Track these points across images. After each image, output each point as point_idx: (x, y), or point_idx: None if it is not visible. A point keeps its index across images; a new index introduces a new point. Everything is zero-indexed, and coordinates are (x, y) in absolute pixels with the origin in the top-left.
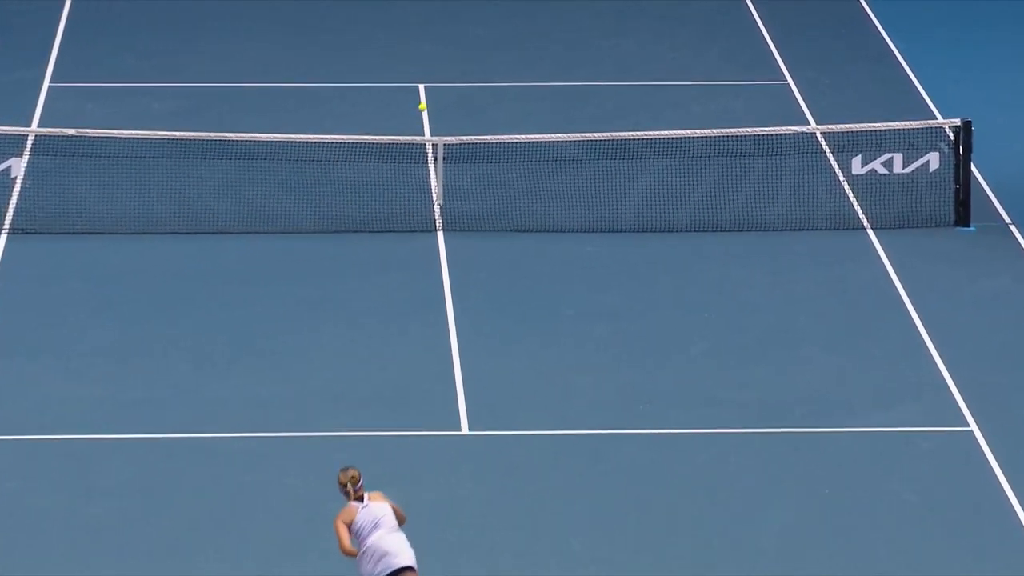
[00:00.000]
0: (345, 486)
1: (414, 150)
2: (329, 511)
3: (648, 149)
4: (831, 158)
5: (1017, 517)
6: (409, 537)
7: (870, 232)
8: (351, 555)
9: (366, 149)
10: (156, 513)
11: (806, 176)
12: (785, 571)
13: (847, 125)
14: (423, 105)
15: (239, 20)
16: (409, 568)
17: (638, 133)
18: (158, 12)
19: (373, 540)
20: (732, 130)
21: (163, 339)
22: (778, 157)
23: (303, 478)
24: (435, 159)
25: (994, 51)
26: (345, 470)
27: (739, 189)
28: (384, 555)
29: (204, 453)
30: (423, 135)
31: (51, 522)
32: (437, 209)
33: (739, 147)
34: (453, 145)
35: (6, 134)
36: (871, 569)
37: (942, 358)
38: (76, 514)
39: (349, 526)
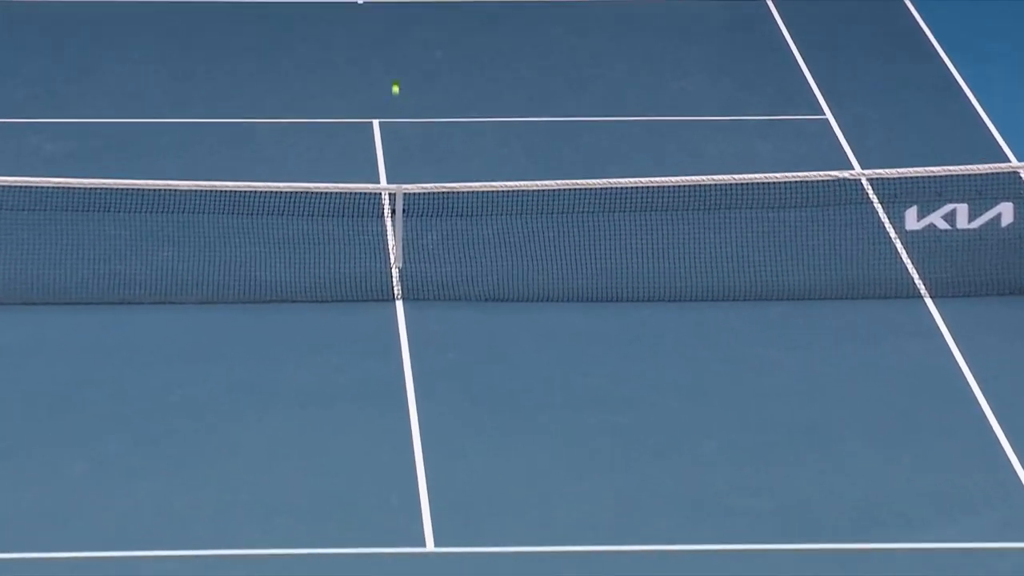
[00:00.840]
0: None
1: (367, 201)
2: None
3: (651, 199)
4: (880, 210)
5: None
6: None
7: (928, 300)
8: None
9: (308, 200)
10: None
11: (849, 232)
12: None
13: (900, 170)
14: (396, 86)
15: (148, 43)
16: None
17: (638, 180)
18: (50, 32)
19: None
20: (756, 176)
21: (57, 436)
22: (814, 209)
23: None
24: (393, 212)
25: None
26: None
27: (765, 249)
28: None
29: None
30: (378, 182)
31: None
32: (395, 273)
33: (765, 197)
34: (414, 194)
35: None
36: None
37: (1020, 457)
38: None
39: None
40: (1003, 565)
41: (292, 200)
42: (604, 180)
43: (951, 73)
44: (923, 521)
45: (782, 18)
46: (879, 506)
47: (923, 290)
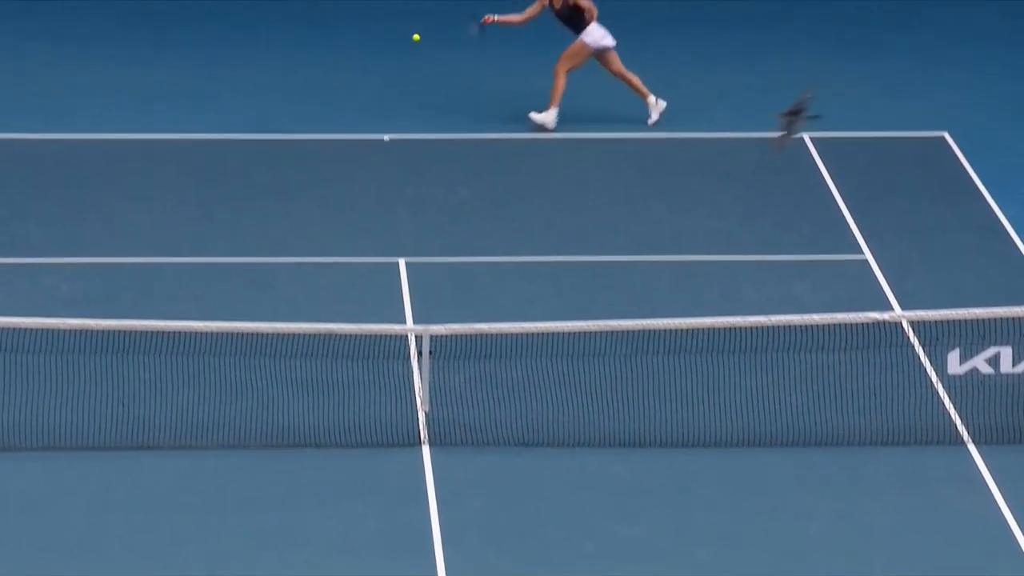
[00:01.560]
0: None
1: (393, 343)
2: None
3: (687, 342)
4: (921, 353)
5: None
6: None
7: (972, 448)
8: None
9: (332, 342)
10: None
11: (889, 376)
12: None
13: (942, 312)
14: (417, 37)
15: (168, 182)
16: None
17: (673, 321)
18: (67, 171)
19: None
20: (795, 318)
21: None
22: (853, 352)
23: None
24: (419, 354)
25: None
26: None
27: (803, 392)
28: None
29: None
30: (404, 323)
31: None
32: (422, 417)
33: (803, 340)
34: (442, 336)
35: None
36: None
37: None
38: None
39: None
40: None
41: (315, 342)
42: (637, 321)
43: (995, 214)
44: None
45: (820, 157)
46: None
47: (966, 436)
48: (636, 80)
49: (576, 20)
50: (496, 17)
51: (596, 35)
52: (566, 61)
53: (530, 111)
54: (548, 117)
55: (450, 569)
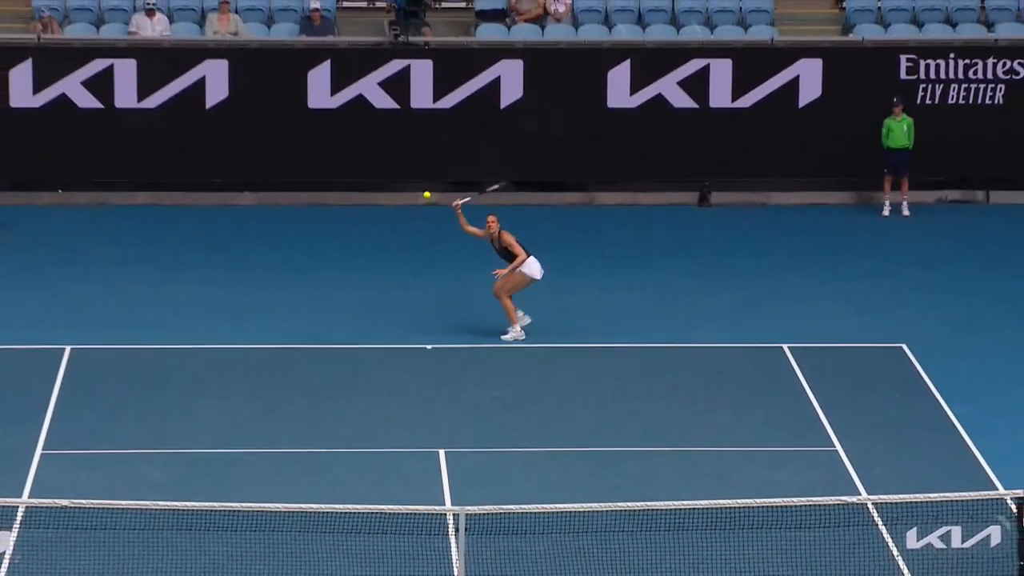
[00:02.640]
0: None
1: (434, 520)
2: None
3: (684, 520)
4: (884, 531)
5: None
6: None
7: None
8: None
9: (381, 519)
10: None
11: (857, 550)
12: None
13: (901, 496)
14: (428, 194)
15: (235, 383)
16: None
17: (673, 503)
18: (155, 374)
19: None
20: (777, 500)
21: None
22: (827, 529)
23: None
24: (456, 530)
25: None
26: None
27: (783, 565)
28: None
29: None
30: (443, 504)
31: None
32: None
33: (785, 519)
34: (476, 515)
35: None
36: None
37: None
38: None
39: None
40: None
41: (366, 520)
42: (642, 503)
43: (946, 413)
44: None
45: (797, 364)
46: None
47: None
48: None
49: (511, 257)
50: (459, 207)
51: (534, 268)
52: (508, 287)
53: (554, 324)
54: (516, 332)
55: None
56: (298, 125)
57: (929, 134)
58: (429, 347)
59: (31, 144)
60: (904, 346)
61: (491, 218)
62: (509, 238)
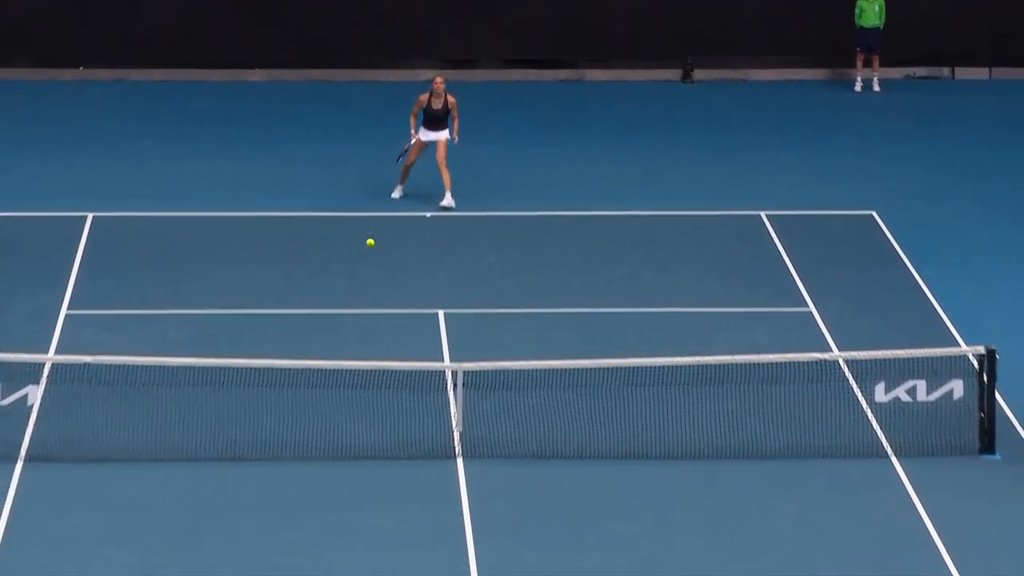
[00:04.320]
0: None
1: (433, 377)
2: None
3: (669, 376)
4: (854, 385)
5: None
6: None
7: (894, 460)
8: None
9: (384, 376)
10: None
11: (829, 403)
12: None
13: (870, 352)
14: (371, 241)
15: (251, 249)
16: None
17: (659, 360)
18: (172, 241)
19: None
20: (754, 357)
21: (177, 573)
22: (801, 384)
23: None
24: (454, 386)
25: (1020, 281)
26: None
27: (761, 417)
28: None
29: None
30: (443, 361)
31: None
32: (456, 436)
33: (761, 374)
34: (473, 371)
35: (23, 362)
36: None
37: None
38: None
39: None
40: None
41: (372, 376)
42: (629, 360)
43: (913, 275)
44: None
45: (774, 230)
46: None
47: (889, 451)
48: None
49: (445, 120)
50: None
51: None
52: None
53: (546, 194)
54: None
55: (480, 558)
56: (303, 4)
57: (899, 14)
58: (428, 215)
59: (54, 24)
60: (874, 213)
61: (439, 79)
62: (453, 99)
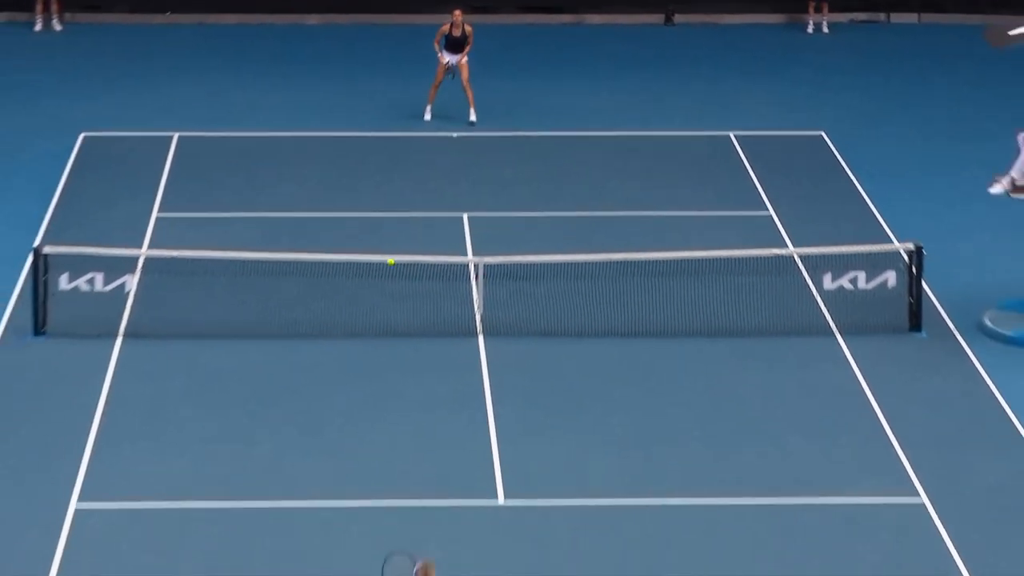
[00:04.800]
0: None
1: (458, 268)
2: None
3: (655, 268)
4: (806, 276)
5: (959, 569)
6: None
7: (838, 337)
8: None
9: (418, 268)
10: (246, 570)
11: (786, 291)
12: None
13: (819, 248)
14: (391, 261)
15: (307, 164)
16: None
17: (647, 254)
18: (243, 157)
19: None
20: (724, 252)
21: (251, 424)
22: (762, 276)
23: (365, 539)
24: (476, 276)
25: (944, 191)
26: (427, 566)
27: (730, 302)
28: None
29: (282, 518)
30: (467, 256)
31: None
32: (478, 317)
33: (730, 267)
34: (492, 264)
35: (122, 256)
36: None
37: (899, 443)
38: (170, 570)
39: None
40: (889, 514)
41: (408, 267)
42: (622, 254)
43: (856, 187)
44: (834, 485)
45: (741, 148)
46: (804, 476)
47: (835, 330)
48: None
49: (463, 45)
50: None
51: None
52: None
53: (552, 119)
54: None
55: (497, 417)
56: None
57: None
58: (455, 135)
59: None
60: (823, 134)
61: (458, 11)
62: (470, 28)
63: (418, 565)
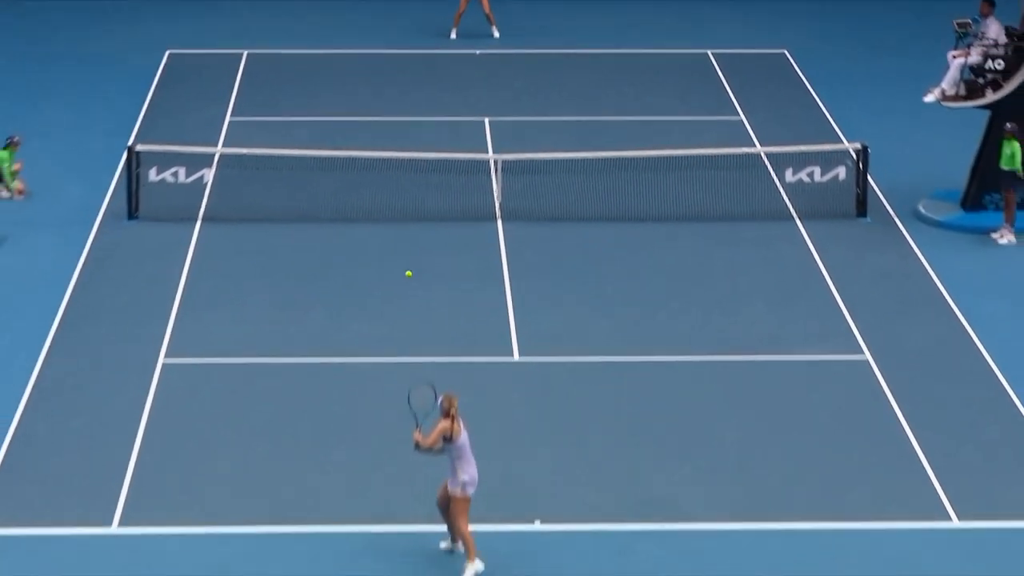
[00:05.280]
0: (450, 409)
1: (481, 164)
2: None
3: (644, 164)
4: (771, 171)
5: (899, 421)
6: (477, 435)
7: (797, 222)
8: (428, 449)
9: (447, 163)
10: (303, 414)
11: (754, 183)
12: (743, 457)
13: (782, 147)
14: (409, 273)
15: (354, 75)
16: None
17: (639, 152)
18: (301, 69)
19: (469, 450)
20: (702, 150)
21: (307, 294)
22: (735, 170)
23: (402, 389)
24: (496, 171)
25: (888, 100)
26: (450, 396)
27: (708, 192)
28: (473, 463)
29: (332, 372)
30: (488, 153)
31: (221, 423)
32: (497, 205)
33: (707, 163)
34: (509, 160)
35: (201, 153)
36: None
37: (846, 308)
38: (242, 417)
39: (451, 436)
40: (837, 368)
41: (438, 163)
42: (617, 152)
43: (814, 97)
44: (792, 345)
45: (717, 64)
46: (767, 337)
47: (794, 215)
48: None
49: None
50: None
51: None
52: None
53: (570, 38)
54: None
55: (512, 288)
56: None
57: None
58: (477, 52)
59: None
60: (786, 52)
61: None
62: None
63: (441, 397)
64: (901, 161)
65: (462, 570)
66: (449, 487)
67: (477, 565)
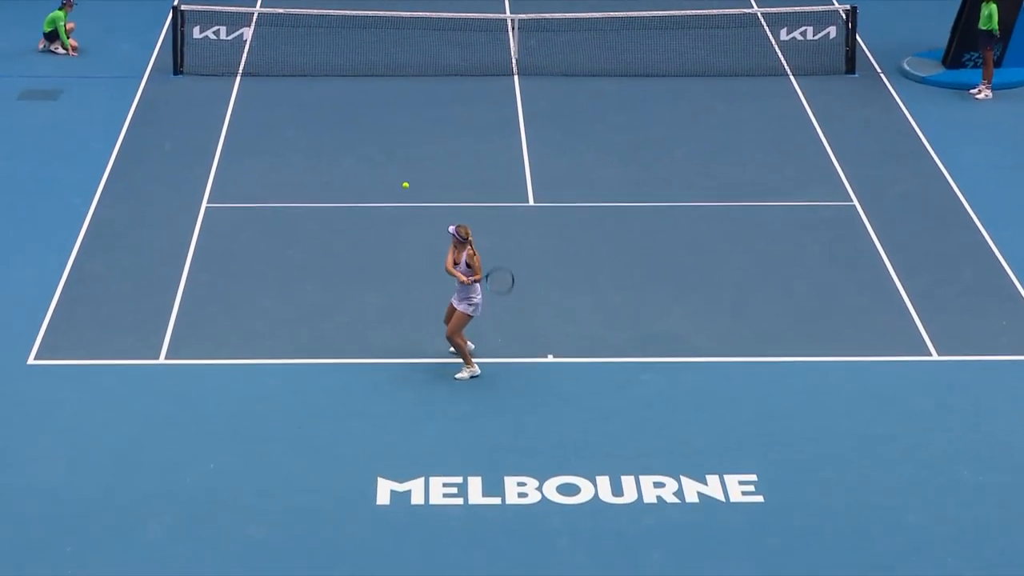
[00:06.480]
0: (467, 236)
1: (499, 23)
2: (444, 254)
3: (651, 23)
4: (767, 30)
5: (884, 263)
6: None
7: (791, 77)
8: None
9: (469, 22)
10: (335, 255)
11: (751, 41)
12: (739, 296)
13: (778, 8)
14: (406, 184)
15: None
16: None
17: (645, 12)
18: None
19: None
20: (704, 10)
21: (339, 143)
22: (735, 28)
23: (429, 230)
24: (513, 29)
25: None
26: (466, 226)
27: (708, 50)
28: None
29: (362, 215)
30: (505, 13)
31: (260, 264)
32: (514, 61)
33: (711, 22)
34: (525, 20)
35: (241, 12)
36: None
37: (835, 156)
38: (279, 258)
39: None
40: (827, 212)
41: (461, 22)
42: (625, 12)
43: None
44: (787, 190)
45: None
46: (763, 183)
47: (788, 71)
48: None
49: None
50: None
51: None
52: None
53: None
54: None
55: (527, 137)
56: None
57: None
58: None
59: None
60: None
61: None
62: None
63: (456, 226)
64: (888, 21)
65: (459, 371)
66: (457, 305)
67: (474, 369)
